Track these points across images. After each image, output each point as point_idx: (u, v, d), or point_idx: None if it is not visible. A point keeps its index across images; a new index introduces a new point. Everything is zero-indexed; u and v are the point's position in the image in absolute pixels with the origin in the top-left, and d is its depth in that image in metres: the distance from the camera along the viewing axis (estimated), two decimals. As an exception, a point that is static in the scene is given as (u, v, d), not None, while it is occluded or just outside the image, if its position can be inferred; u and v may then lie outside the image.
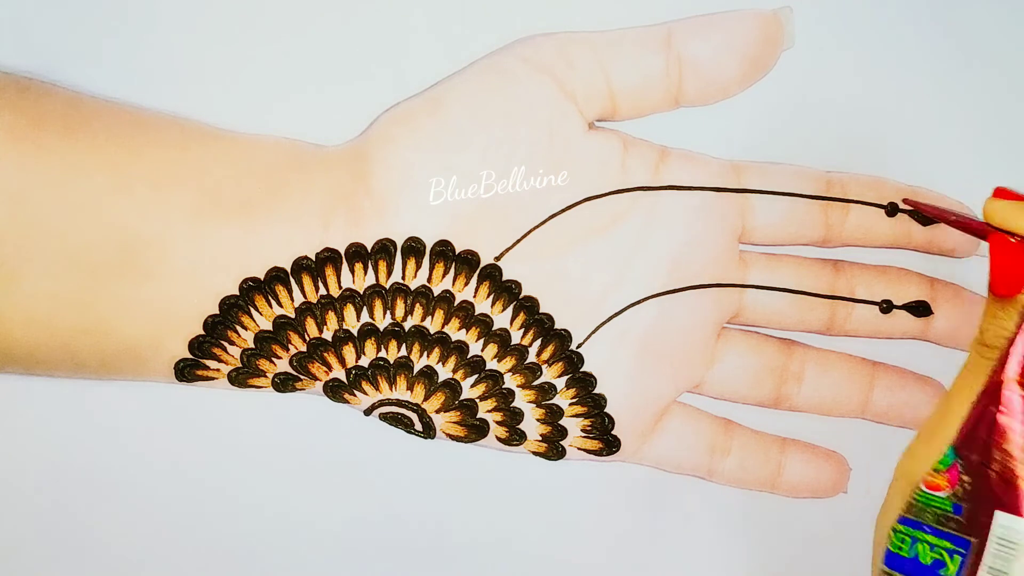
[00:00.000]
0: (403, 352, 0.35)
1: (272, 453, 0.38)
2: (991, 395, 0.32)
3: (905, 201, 0.36)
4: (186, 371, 0.35)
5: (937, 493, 0.32)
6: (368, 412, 0.36)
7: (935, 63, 0.37)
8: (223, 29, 0.36)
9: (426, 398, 0.36)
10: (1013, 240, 0.32)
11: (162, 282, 0.33)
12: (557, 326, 0.36)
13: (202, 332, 0.34)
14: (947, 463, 0.32)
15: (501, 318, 0.35)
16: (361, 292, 0.35)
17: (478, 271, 0.35)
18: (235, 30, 0.36)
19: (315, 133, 0.36)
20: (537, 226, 0.35)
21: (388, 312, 0.35)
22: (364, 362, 0.35)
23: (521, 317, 0.35)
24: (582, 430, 0.37)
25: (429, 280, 0.35)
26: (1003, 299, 0.32)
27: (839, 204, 0.36)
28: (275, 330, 0.35)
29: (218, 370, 0.35)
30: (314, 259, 0.34)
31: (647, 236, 0.36)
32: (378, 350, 0.35)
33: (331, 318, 0.35)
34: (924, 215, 0.35)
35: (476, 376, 0.36)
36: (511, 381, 0.36)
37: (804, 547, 0.39)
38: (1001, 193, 0.33)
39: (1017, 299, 0.32)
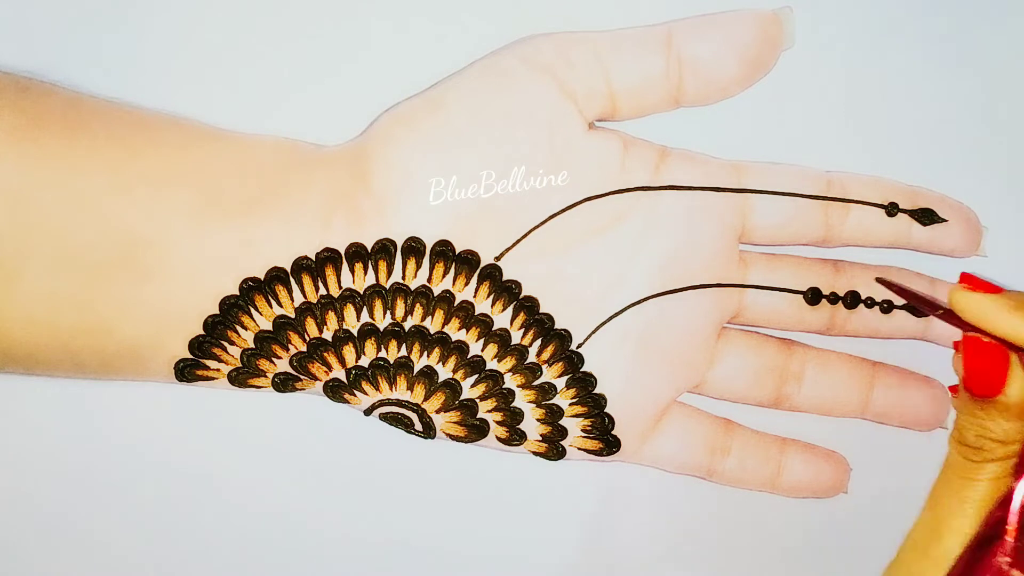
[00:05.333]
0: (403, 352, 0.35)
1: (272, 453, 0.38)
2: (995, 543, 0.29)
3: (879, 280, 0.36)
4: (186, 371, 0.35)
5: None
6: (368, 412, 0.36)
7: (936, 63, 0.37)
8: (223, 29, 0.36)
9: (426, 398, 0.36)
10: (986, 340, 0.30)
11: (162, 282, 0.33)
12: (557, 326, 0.36)
13: (202, 332, 0.34)
14: None
15: (501, 318, 0.35)
16: (361, 292, 0.35)
17: (478, 271, 0.35)
18: (235, 30, 0.36)
19: (315, 133, 0.36)
20: (537, 226, 0.35)
21: (388, 312, 0.35)
22: (364, 362, 0.35)
23: (521, 317, 0.35)
24: (582, 430, 0.37)
25: (429, 280, 0.35)
26: (981, 399, 0.31)
27: (839, 204, 0.36)
28: (275, 330, 0.35)
29: (218, 370, 0.35)
30: (314, 259, 0.34)
31: (647, 236, 0.36)
32: (378, 350, 0.35)
33: (331, 318, 0.35)
34: (899, 293, 0.34)
35: (476, 376, 0.36)
36: (511, 381, 0.36)
37: (804, 547, 0.39)
38: (970, 281, 0.31)
39: (996, 400, 0.30)
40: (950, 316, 0.31)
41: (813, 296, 0.37)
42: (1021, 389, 0.30)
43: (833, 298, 0.37)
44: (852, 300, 0.37)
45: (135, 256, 0.33)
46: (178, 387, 0.36)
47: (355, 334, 0.35)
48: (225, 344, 0.35)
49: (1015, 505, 0.29)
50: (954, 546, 0.31)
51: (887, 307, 0.37)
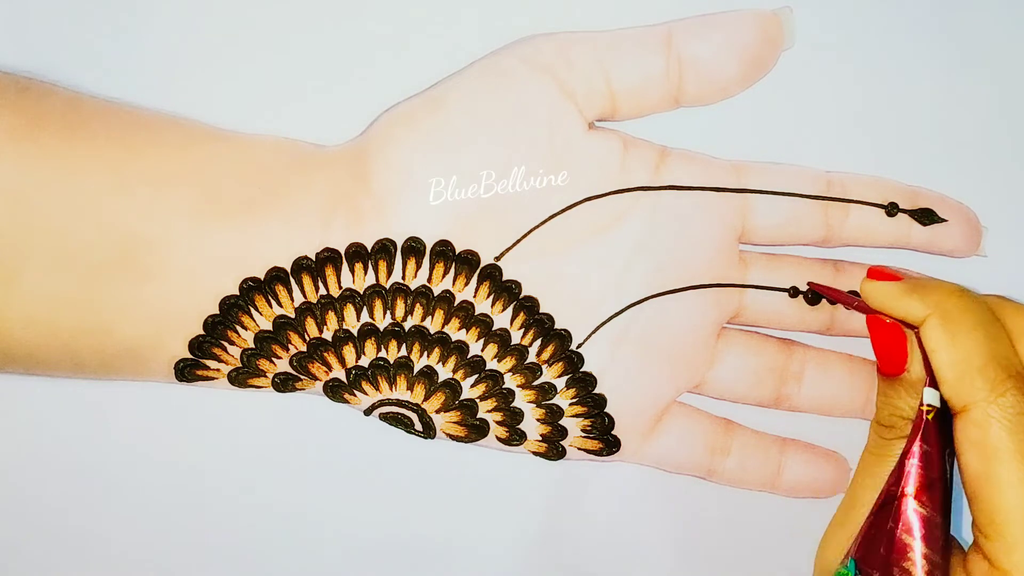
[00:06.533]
0: (403, 352, 0.35)
1: (272, 453, 0.38)
2: (888, 509, 0.32)
3: (811, 284, 0.37)
4: (186, 371, 0.35)
5: None
6: (368, 412, 0.36)
7: (936, 63, 0.37)
8: (223, 29, 0.36)
9: (426, 398, 0.36)
10: (888, 320, 0.33)
11: (162, 282, 0.33)
12: (557, 326, 0.36)
13: (202, 332, 0.34)
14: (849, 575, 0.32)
15: (501, 318, 0.35)
16: (361, 292, 0.35)
17: (478, 271, 0.35)
18: (235, 30, 0.36)
19: (315, 133, 0.36)
20: (537, 226, 0.35)
21: (388, 312, 0.35)
22: (364, 362, 0.35)
23: (521, 317, 0.35)
24: (582, 430, 0.37)
25: (429, 280, 0.35)
26: (890, 377, 0.33)
27: (839, 204, 0.36)
28: (275, 330, 0.35)
29: (218, 370, 0.35)
30: (314, 259, 0.34)
31: (647, 236, 0.36)
32: (378, 350, 0.35)
33: (331, 318, 0.35)
34: (824, 296, 0.36)
35: (476, 376, 0.36)
36: (511, 381, 0.36)
37: (803, 547, 0.39)
38: (875, 273, 0.34)
39: (902, 378, 0.33)
40: (865, 307, 0.34)
41: (813, 296, 0.37)
42: (922, 366, 0.32)
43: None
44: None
45: (135, 256, 0.33)
46: (178, 387, 0.36)
47: (355, 334, 0.35)
48: (225, 344, 0.35)
49: (910, 473, 0.31)
50: (863, 518, 0.33)
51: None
